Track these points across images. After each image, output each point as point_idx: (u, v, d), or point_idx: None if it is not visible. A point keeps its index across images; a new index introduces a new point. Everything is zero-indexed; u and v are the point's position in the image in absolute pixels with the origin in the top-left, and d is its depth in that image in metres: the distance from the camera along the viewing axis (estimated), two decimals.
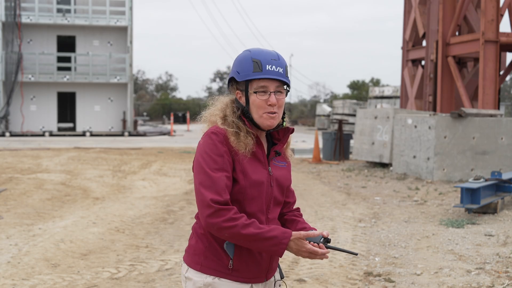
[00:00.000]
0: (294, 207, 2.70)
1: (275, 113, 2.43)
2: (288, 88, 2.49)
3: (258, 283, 2.48)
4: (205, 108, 2.57)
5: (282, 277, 2.66)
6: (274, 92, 2.43)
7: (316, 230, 2.47)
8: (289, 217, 2.63)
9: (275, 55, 2.45)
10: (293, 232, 2.36)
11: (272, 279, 2.58)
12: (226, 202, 2.33)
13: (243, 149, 2.39)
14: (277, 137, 2.57)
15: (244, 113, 2.46)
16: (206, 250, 2.44)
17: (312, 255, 2.36)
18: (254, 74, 2.41)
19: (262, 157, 2.47)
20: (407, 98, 21.55)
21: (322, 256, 2.37)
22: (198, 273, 2.45)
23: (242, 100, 2.47)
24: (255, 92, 2.42)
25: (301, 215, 2.68)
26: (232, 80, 2.51)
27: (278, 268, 2.64)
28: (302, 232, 2.36)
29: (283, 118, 2.53)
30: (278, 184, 2.51)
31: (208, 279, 2.42)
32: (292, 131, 2.56)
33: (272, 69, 2.41)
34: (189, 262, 2.48)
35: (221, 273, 2.42)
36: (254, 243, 2.34)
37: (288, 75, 2.49)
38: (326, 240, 2.40)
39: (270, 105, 2.42)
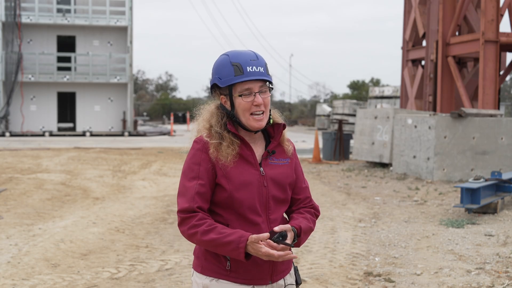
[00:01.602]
0: (310, 204, 2.60)
1: (262, 113, 2.43)
2: (271, 86, 2.48)
3: (261, 284, 2.45)
4: (195, 118, 2.58)
5: (298, 282, 2.59)
6: (258, 92, 2.42)
7: (294, 226, 2.41)
8: (292, 215, 2.56)
9: (253, 55, 2.45)
10: (250, 236, 2.29)
11: (282, 282, 2.51)
12: (193, 209, 2.36)
13: (224, 159, 2.40)
14: (273, 135, 2.56)
15: (231, 118, 2.46)
16: (206, 253, 2.46)
17: (270, 257, 2.29)
18: (237, 78, 2.40)
19: (252, 159, 2.45)
20: (407, 98, 21.55)
21: (280, 258, 2.28)
22: (199, 275, 2.48)
23: (228, 105, 2.47)
24: (240, 95, 2.42)
25: (307, 211, 2.57)
26: (214, 86, 2.51)
27: (295, 272, 2.59)
28: (254, 236, 2.28)
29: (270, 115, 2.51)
30: (275, 183, 2.47)
31: (206, 280, 2.45)
32: (284, 127, 2.54)
33: (253, 70, 2.41)
34: (194, 266, 2.53)
35: (220, 274, 2.43)
36: (217, 248, 2.34)
37: (269, 72, 2.48)
38: (281, 235, 2.33)
39: (256, 105, 2.41)
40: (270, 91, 2.47)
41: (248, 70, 2.40)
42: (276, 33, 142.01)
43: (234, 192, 2.40)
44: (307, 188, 2.64)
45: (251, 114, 2.42)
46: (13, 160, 17.08)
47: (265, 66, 2.46)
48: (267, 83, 2.46)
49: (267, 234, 2.28)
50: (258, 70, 2.42)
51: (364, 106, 35.76)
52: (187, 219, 2.37)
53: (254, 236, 2.28)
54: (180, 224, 2.39)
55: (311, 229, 2.51)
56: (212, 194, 2.44)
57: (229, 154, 2.40)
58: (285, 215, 2.58)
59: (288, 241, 2.34)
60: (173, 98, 71.50)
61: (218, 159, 2.40)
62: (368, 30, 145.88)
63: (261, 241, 2.29)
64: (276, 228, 2.34)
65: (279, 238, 2.32)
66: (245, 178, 2.42)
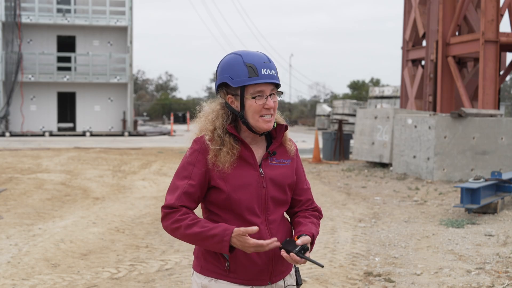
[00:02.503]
0: (313, 206, 2.60)
1: (271, 116, 2.43)
2: (281, 91, 2.49)
3: (260, 285, 2.45)
4: (197, 116, 2.56)
5: (299, 283, 2.59)
6: (270, 95, 2.42)
7: (309, 235, 2.42)
8: (298, 219, 2.55)
9: (266, 58, 2.44)
10: (235, 229, 2.29)
11: (281, 283, 2.51)
12: (177, 207, 2.38)
13: (222, 165, 2.40)
14: (275, 135, 2.55)
15: (240, 118, 2.44)
16: (206, 253, 2.46)
17: (259, 248, 2.29)
18: (251, 79, 2.39)
19: (252, 160, 2.45)
20: (407, 98, 21.55)
21: (267, 246, 2.29)
22: (199, 275, 2.49)
23: (235, 105, 2.45)
24: (253, 97, 2.40)
25: (313, 215, 2.56)
26: (222, 85, 2.48)
27: (296, 273, 2.59)
28: (242, 229, 2.28)
29: None
30: (274, 184, 2.46)
31: (205, 280, 2.45)
32: (286, 128, 2.54)
33: (267, 73, 2.40)
34: (194, 266, 2.54)
35: (219, 274, 2.43)
36: (201, 242, 2.36)
37: (279, 76, 2.49)
38: (302, 248, 2.32)
39: (267, 108, 2.41)
40: (279, 95, 2.48)
41: (263, 73, 2.40)
42: (276, 33, 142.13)
43: (232, 193, 2.39)
44: (308, 190, 2.63)
45: (260, 116, 2.41)
46: (13, 160, 17.08)
47: (276, 70, 2.46)
48: (278, 87, 2.47)
49: (256, 228, 2.28)
50: (271, 73, 2.42)
51: (364, 106, 35.75)
52: (170, 213, 2.38)
53: (242, 229, 2.27)
54: (163, 219, 2.41)
55: (318, 234, 2.53)
56: (204, 195, 2.45)
57: (227, 161, 2.40)
58: (286, 215, 2.57)
59: (307, 254, 2.33)
60: (173, 98, 71.49)
61: (216, 165, 2.40)
62: (368, 30, 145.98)
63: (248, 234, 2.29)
64: (299, 242, 2.33)
65: (301, 251, 2.31)
66: (244, 179, 2.41)
